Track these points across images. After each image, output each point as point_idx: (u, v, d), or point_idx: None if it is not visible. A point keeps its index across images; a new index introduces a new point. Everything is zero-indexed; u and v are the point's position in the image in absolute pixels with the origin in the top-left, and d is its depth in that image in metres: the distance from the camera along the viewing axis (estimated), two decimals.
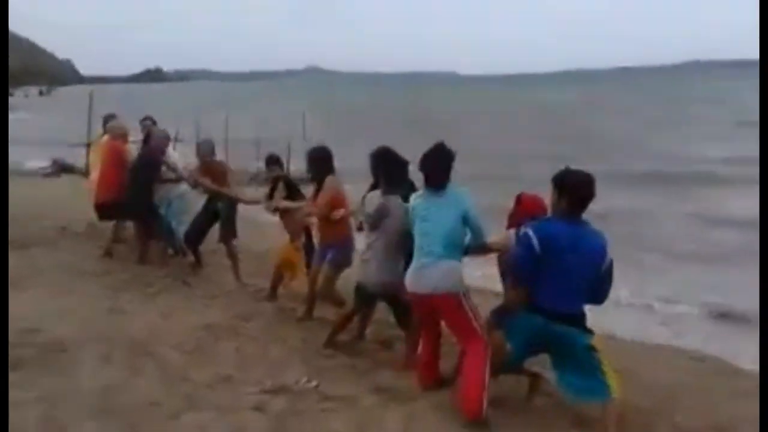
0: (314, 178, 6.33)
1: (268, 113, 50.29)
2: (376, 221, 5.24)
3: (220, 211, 7.93)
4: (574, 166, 4.43)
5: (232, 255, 8.04)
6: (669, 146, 31.98)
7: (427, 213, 4.71)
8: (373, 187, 5.58)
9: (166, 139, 8.52)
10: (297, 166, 15.73)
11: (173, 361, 5.16)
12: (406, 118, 49.03)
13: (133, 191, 7.99)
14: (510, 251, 4.66)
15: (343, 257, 6.25)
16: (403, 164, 5.35)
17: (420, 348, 5.07)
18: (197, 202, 8.51)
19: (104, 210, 8.33)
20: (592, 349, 4.34)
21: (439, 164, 4.72)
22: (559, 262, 4.25)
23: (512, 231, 4.82)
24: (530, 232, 4.32)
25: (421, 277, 4.70)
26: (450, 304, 4.67)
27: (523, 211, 4.89)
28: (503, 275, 4.99)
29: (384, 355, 5.78)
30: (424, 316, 4.93)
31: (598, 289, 4.41)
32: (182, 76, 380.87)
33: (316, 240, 7.08)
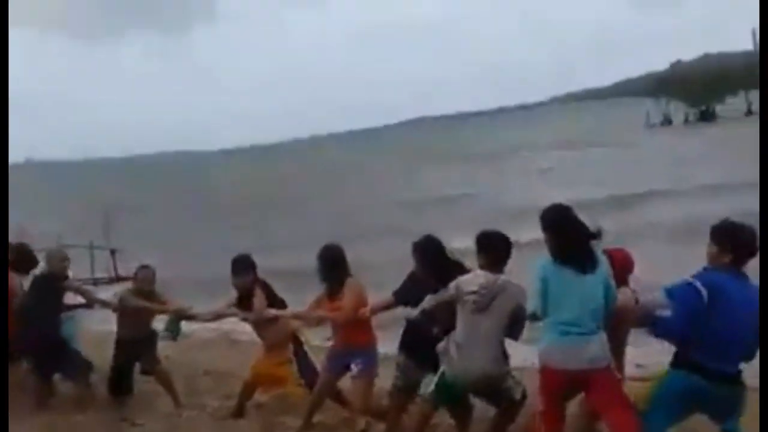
0: (328, 280, 5.84)
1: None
2: (487, 301, 4.79)
3: (138, 343, 6.97)
4: None
5: (166, 379, 7.15)
6: None
7: (573, 285, 4.45)
8: (411, 277, 5.45)
9: (65, 259, 7.27)
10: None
11: None
12: (190, 204, 45.44)
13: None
14: (642, 310, 4.43)
15: (374, 364, 5.82)
16: (509, 242, 5.01)
17: (544, 426, 4.65)
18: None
19: None
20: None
21: (584, 241, 4.53)
22: (726, 316, 4.06)
23: (627, 289, 4.59)
24: (696, 283, 4.10)
25: (576, 351, 4.44)
26: (607, 377, 4.49)
27: (618, 267, 4.71)
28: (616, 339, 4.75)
29: None
30: (559, 398, 4.60)
31: (754, 345, 4.20)
32: None
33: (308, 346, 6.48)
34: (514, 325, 4.89)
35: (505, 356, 4.98)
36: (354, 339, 5.76)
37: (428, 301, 5.07)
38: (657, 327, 4.31)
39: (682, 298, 4.12)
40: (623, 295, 4.56)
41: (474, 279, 4.87)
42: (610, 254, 4.80)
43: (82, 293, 7.31)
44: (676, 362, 4.27)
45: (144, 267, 7.12)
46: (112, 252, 20.29)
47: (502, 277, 4.88)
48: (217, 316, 6.74)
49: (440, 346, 5.04)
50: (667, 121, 70.02)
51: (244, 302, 6.30)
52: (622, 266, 4.80)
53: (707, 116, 69.30)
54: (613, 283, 4.53)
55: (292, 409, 6.46)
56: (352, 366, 5.75)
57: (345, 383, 6.07)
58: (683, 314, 4.12)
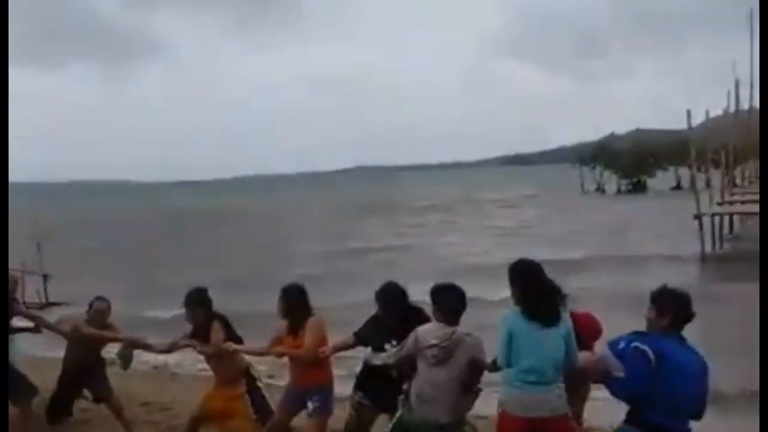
0: (290, 317, 5.80)
1: None
2: (445, 355, 4.89)
3: (88, 369, 6.89)
4: None
5: (118, 409, 7.06)
6: None
7: (536, 337, 4.68)
8: (374, 319, 5.60)
9: (14, 282, 7.18)
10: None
11: None
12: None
13: None
14: (601, 371, 4.55)
15: (329, 403, 5.81)
16: (464, 296, 5.10)
17: None
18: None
19: None
20: None
21: (552, 296, 4.77)
22: (672, 376, 4.25)
23: (589, 353, 4.82)
24: (643, 347, 4.30)
25: (536, 401, 4.66)
26: (565, 426, 4.76)
27: (583, 329, 5.00)
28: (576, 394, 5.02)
29: None
30: None
31: (703, 404, 4.41)
32: None
33: (261, 383, 6.42)
34: (471, 377, 4.99)
35: (464, 406, 5.05)
36: (312, 377, 5.74)
37: (391, 356, 5.19)
38: (612, 387, 4.47)
39: (631, 361, 4.32)
40: (583, 357, 4.78)
41: (432, 332, 4.94)
42: (574, 316, 5.00)
43: (32, 318, 7.11)
44: (630, 419, 4.44)
45: (99, 299, 7.00)
46: (45, 277, 19.71)
47: (459, 329, 4.96)
48: (173, 348, 6.58)
49: (404, 389, 5.10)
50: (601, 190, 72.50)
51: (199, 335, 6.21)
52: (586, 327, 5.02)
53: (638, 188, 72.10)
54: (573, 341, 4.72)
55: None
56: (309, 403, 5.71)
57: (296, 421, 6.00)
58: (634, 376, 4.31)
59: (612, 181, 73.79)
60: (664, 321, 4.38)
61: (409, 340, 4.98)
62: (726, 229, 28.74)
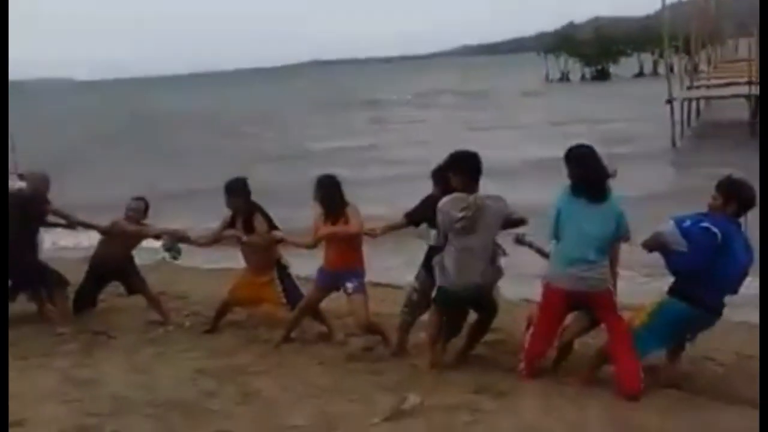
0: (329, 205, 5.85)
1: None
2: (472, 224, 5.03)
3: (117, 266, 7.04)
4: None
5: (155, 298, 7.22)
6: None
7: (584, 217, 4.84)
8: (427, 199, 5.52)
9: (46, 181, 7.07)
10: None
11: (241, 414, 4.69)
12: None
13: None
14: (659, 244, 4.82)
15: (364, 284, 5.97)
16: (478, 160, 5.19)
17: (533, 341, 5.13)
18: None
19: None
20: None
21: (602, 173, 4.90)
22: (729, 258, 4.62)
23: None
24: (713, 228, 4.61)
25: (580, 276, 4.87)
26: (606, 299, 4.95)
27: None
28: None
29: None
30: (554, 318, 5.08)
31: (741, 283, 4.80)
32: None
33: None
34: (509, 226, 5.28)
35: (497, 269, 5.28)
36: (347, 260, 5.88)
37: (437, 238, 5.29)
38: (671, 260, 4.78)
39: (699, 238, 4.63)
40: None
41: (455, 204, 5.04)
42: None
43: (65, 216, 7.15)
44: (676, 292, 4.78)
45: (137, 199, 7.09)
46: (20, 176, 19.17)
47: (479, 194, 5.07)
48: (216, 240, 6.61)
49: (435, 260, 5.28)
50: (566, 78, 72.48)
51: (238, 225, 6.32)
52: None
53: (602, 75, 72.24)
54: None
55: (267, 324, 6.58)
56: (347, 284, 5.86)
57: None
58: (699, 253, 4.63)
59: (576, 70, 73.71)
60: (729, 208, 4.70)
61: (439, 218, 5.11)
62: (694, 114, 29.14)
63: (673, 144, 24.11)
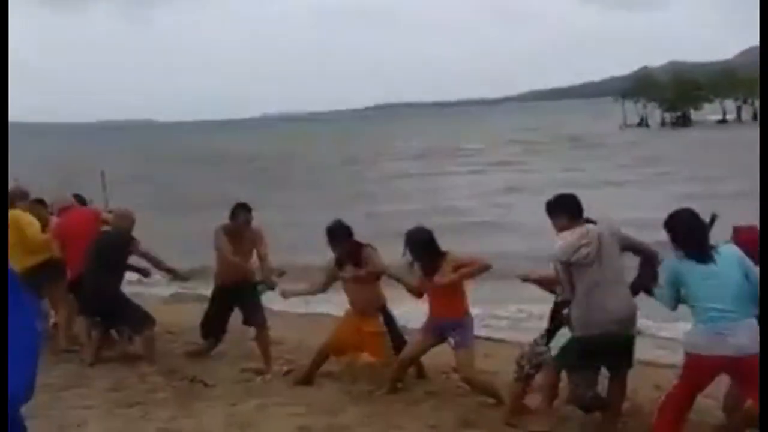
0: (423, 260, 5.74)
1: None
2: (595, 251, 4.73)
3: (247, 295, 6.80)
4: None
5: (265, 339, 6.87)
6: None
7: (703, 275, 4.38)
8: None
9: (131, 220, 7.02)
10: None
11: None
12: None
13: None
14: None
15: (472, 335, 5.76)
16: (576, 198, 5.04)
17: (669, 410, 4.51)
18: None
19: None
20: None
21: (703, 232, 4.54)
22: None
23: None
24: None
25: (725, 337, 4.28)
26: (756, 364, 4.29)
27: (750, 245, 4.60)
28: None
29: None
30: (701, 382, 4.50)
31: None
32: None
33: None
34: (630, 249, 4.91)
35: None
36: (451, 311, 5.71)
37: (565, 288, 4.95)
38: None
39: None
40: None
41: (571, 242, 4.77)
42: (736, 230, 4.77)
43: (149, 259, 7.09)
44: None
45: (241, 205, 6.85)
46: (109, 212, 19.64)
47: (588, 226, 4.88)
48: (327, 285, 6.45)
49: (566, 312, 4.92)
50: (645, 124, 70.99)
51: (347, 266, 6.17)
52: (752, 241, 4.62)
53: (683, 121, 70.47)
54: (746, 262, 4.39)
55: (367, 377, 6.22)
56: (450, 339, 5.65)
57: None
58: None
59: (655, 115, 72.14)
60: None
61: (560, 260, 4.83)
62: None
63: None
